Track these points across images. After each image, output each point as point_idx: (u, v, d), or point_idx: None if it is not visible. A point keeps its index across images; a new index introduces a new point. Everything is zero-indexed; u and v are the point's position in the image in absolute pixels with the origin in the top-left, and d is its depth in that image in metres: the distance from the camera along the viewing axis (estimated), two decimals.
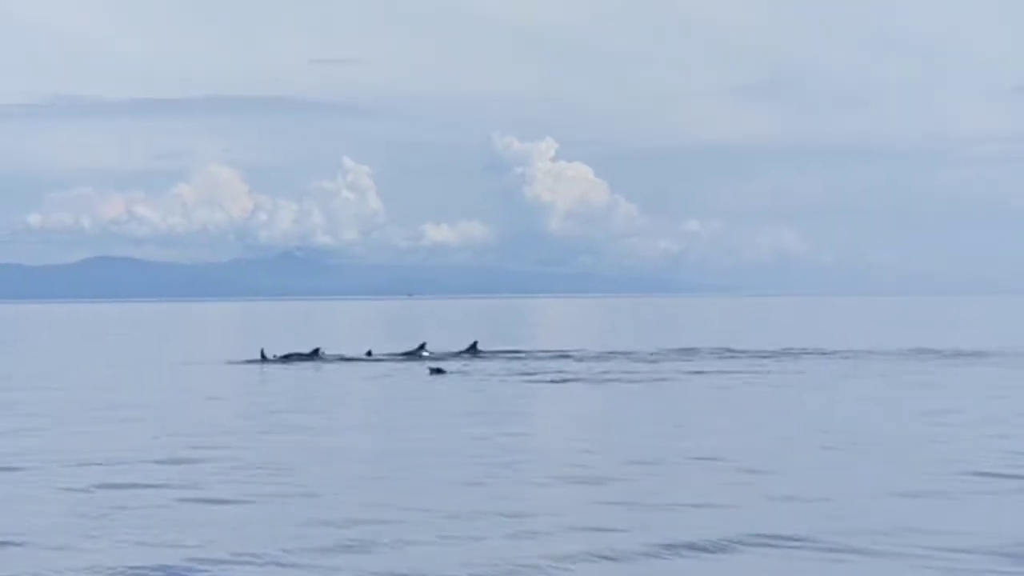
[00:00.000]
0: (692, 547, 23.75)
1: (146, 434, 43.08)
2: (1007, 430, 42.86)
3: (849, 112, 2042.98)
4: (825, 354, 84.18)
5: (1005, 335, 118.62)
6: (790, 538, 24.47)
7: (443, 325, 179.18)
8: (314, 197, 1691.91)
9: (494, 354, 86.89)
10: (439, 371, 70.58)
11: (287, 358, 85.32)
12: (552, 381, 65.23)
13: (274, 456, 36.71)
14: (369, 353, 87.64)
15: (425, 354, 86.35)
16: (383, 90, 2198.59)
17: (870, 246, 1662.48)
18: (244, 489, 30.58)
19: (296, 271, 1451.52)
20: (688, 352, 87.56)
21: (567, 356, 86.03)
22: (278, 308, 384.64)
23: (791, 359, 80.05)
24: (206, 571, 22.37)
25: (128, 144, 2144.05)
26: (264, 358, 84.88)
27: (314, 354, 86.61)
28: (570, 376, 68.41)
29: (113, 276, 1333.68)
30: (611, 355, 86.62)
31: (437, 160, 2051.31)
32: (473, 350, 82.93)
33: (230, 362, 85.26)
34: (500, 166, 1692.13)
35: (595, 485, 31.08)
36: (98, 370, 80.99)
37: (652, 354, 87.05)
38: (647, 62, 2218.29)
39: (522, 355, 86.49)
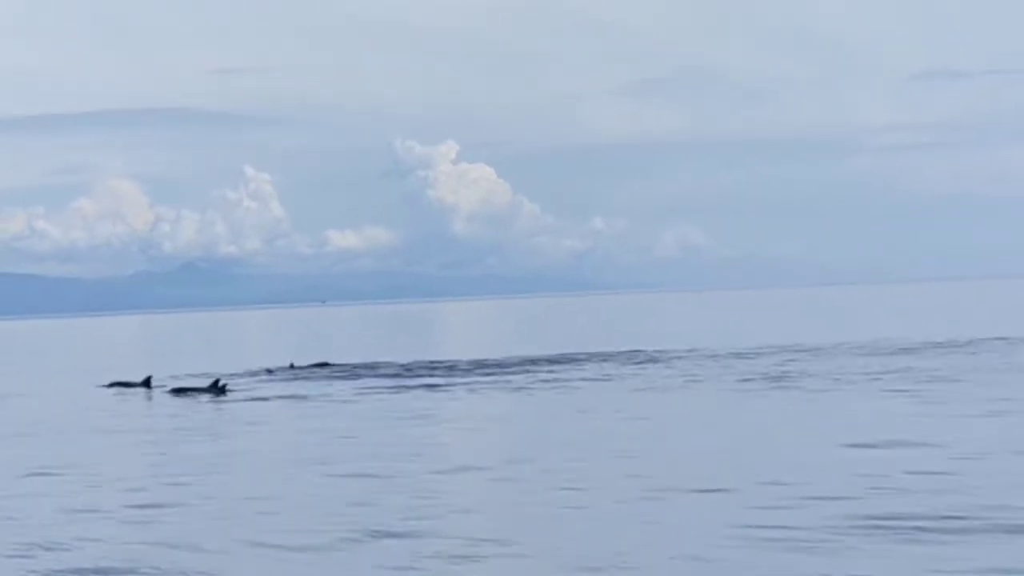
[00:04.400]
0: None
1: None
2: None
3: (751, 106, 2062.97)
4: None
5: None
6: None
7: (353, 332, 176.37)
8: (216, 207, 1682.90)
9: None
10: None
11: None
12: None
13: None
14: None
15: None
16: (281, 98, 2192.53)
17: (775, 239, 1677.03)
18: None
19: (200, 282, 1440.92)
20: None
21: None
22: (181, 320, 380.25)
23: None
24: None
25: (27, 160, 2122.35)
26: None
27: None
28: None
29: (16, 293, 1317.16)
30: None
31: (339, 166, 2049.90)
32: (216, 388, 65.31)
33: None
34: (402, 170, 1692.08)
35: None
36: None
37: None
38: (546, 61, 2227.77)
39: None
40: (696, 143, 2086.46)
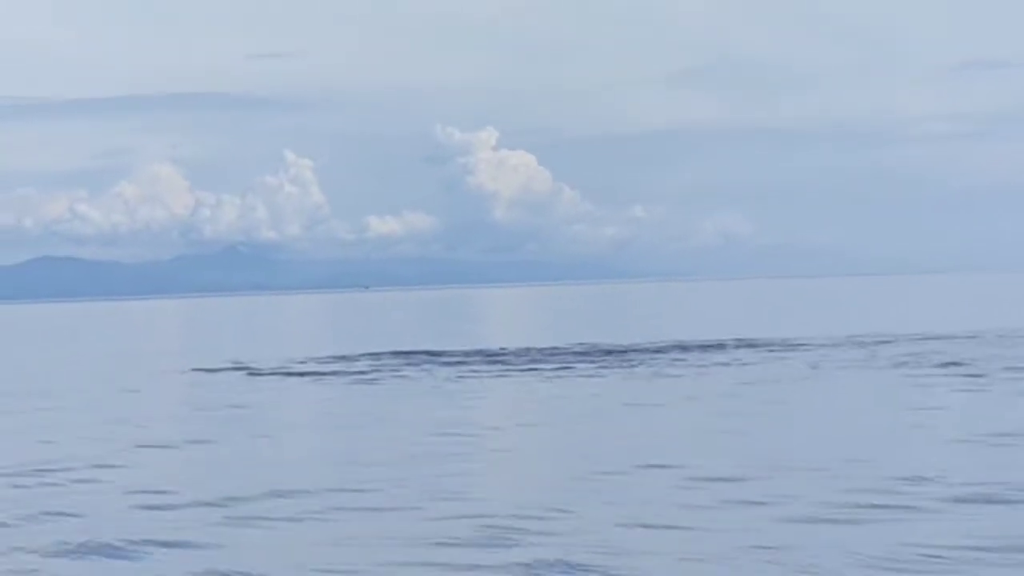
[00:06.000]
0: None
1: None
2: None
3: (791, 94, 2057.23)
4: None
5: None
6: None
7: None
8: (257, 192, 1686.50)
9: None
10: None
11: None
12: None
13: None
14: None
15: None
16: (322, 84, 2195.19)
17: (815, 228, 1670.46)
18: None
19: (241, 267, 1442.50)
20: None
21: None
22: (223, 305, 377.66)
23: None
24: None
25: (68, 144, 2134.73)
26: None
27: None
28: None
29: (57, 276, 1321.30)
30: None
31: (379, 152, 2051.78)
32: None
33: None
34: (442, 156, 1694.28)
35: None
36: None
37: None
38: (587, 49, 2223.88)
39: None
40: (736, 131, 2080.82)
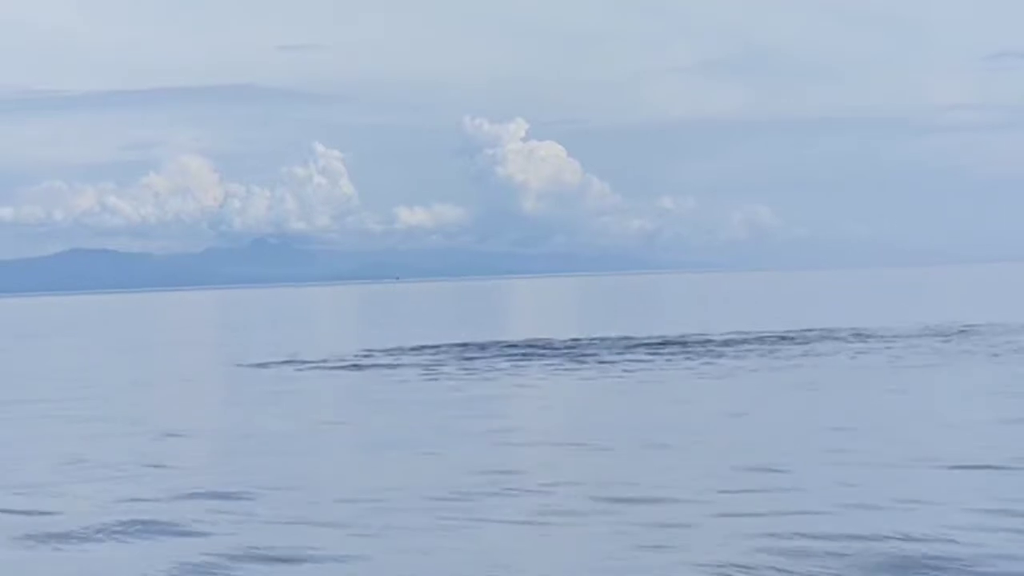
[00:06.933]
0: None
1: None
2: None
3: (820, 84, 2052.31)
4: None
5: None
6: None
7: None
8: (286, 184, 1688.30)
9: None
10: None
11: None
12: None
13: None
14: None
15: None
16: (352, 75, 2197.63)
17: (844, 218, 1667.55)
18: None
19: (271, 258, 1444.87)
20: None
21: None
22: (257, 297, 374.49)
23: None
24: None
25: (97, 136, 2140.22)
26: None
27: None
28: None
29: (87, 268, 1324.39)
30: None
31: (408, 144, 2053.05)
32: None
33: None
34: (471, 148, 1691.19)
35: None
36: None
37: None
38: (615, 39, 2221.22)
39: None
40: (766, 122, 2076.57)
